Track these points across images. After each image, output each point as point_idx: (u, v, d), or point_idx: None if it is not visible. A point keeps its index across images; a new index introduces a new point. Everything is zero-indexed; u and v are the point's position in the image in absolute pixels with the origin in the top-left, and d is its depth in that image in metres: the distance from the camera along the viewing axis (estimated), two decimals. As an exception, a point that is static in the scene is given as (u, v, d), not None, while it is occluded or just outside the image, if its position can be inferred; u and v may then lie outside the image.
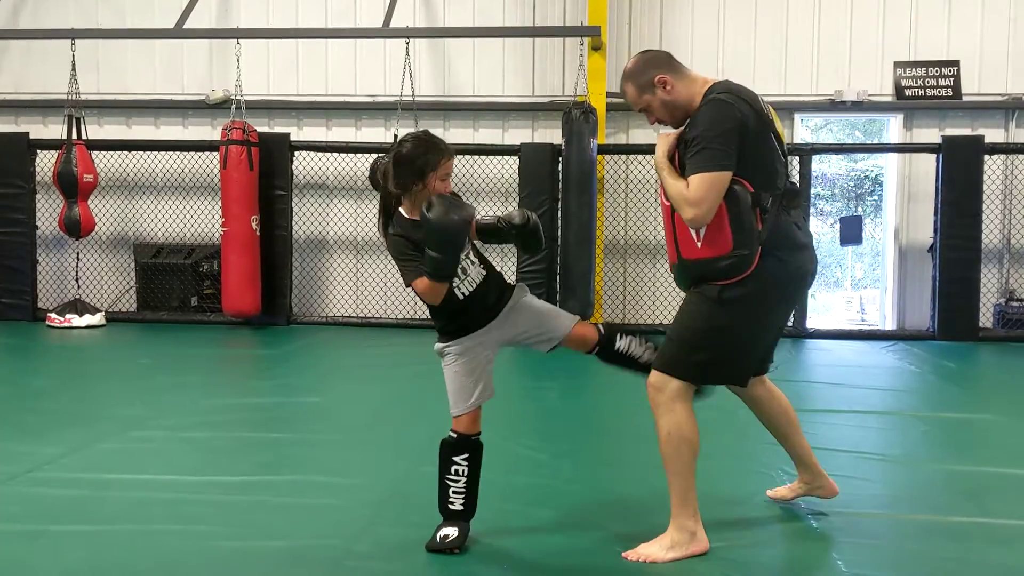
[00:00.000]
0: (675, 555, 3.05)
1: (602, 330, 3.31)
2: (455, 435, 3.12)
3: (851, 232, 8.35)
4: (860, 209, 11.70)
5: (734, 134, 2.95)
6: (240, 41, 8.60)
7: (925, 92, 8.80)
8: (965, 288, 8.31)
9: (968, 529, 3.40)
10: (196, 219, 9.60)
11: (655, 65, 3.17)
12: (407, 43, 8.36)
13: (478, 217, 3.17)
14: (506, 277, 3.31)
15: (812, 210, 8.77)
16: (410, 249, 2.96)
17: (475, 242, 3.21)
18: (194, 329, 8.75)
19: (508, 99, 9.33)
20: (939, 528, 3.39)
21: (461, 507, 3.13)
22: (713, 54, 9.15)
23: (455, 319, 3.09)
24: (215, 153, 8.84)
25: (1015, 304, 8.70)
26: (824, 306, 8.92)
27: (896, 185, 9.20)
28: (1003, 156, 8.73)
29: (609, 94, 8.87)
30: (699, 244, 3.02)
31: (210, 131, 9.47)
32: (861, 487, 3.90)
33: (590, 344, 3.27)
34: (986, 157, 8.40)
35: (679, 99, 3.13)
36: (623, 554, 3.09)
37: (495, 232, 3.22)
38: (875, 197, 11.64)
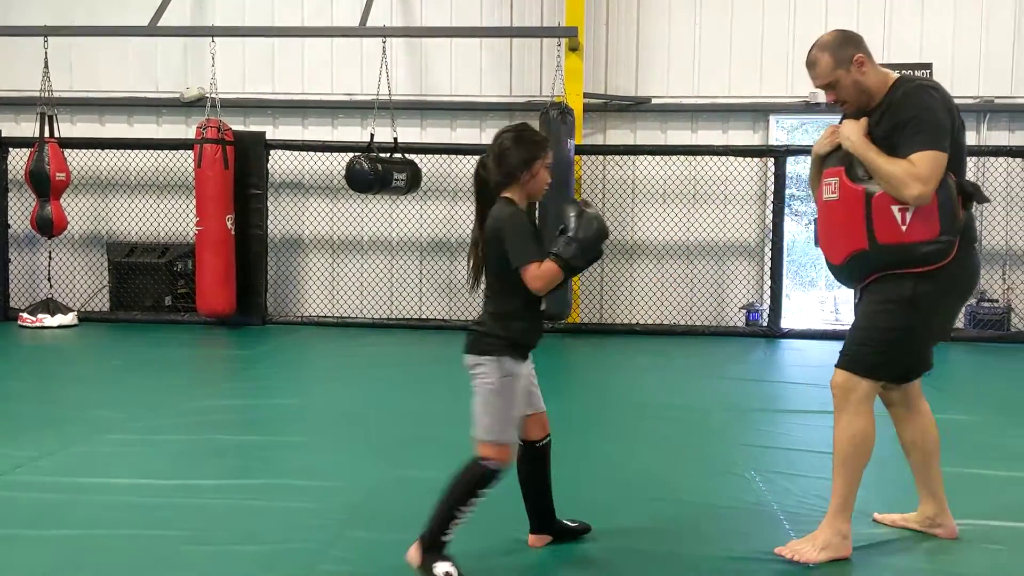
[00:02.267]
0: (827, 556, 3.07)
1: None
2: (499, 465, 2.92)
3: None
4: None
5: (947, 121, 2.99)
6: (215, 38, 8.53)
7: (898, 94, 8.86)
8: (937, 289, 8.37)
9: (938, 530, 3.44)
10: (170, 218, 9.53)
11: (855, 43, 3.14)
12: (384, 42, 8.33)
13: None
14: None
15: (787, 211, 8.83)
16: (530, 231, 2.94)
17: None
18: (168, 329, 8.68)
19: (485, 99, 9.32)
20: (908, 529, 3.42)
21: (451, 539, 2.93)
22: (690, 55, 9.18)
23: (531, 332, 3.00)
24: (189, 151, 8.75)
25: (986, 305, 8.79)
26: (798, 306, 9.00)
27: (870, 186, 9.27)
28: (975, 158, 8.82)
29: (586, 95, 8.89)
30: (904, 227, 2.97)
31: (185, 129, 9.40)
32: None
33: (542, 435, 3.17)
34: (958, 159, 8.48)
35: (868, 84, 3.11)
36: (775, 550, 3.10)
37: None
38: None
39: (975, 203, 3.12)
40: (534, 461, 3.17)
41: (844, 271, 3.20)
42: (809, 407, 5.61)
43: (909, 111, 2.98)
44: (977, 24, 8.96)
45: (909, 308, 3.02)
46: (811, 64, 3.17)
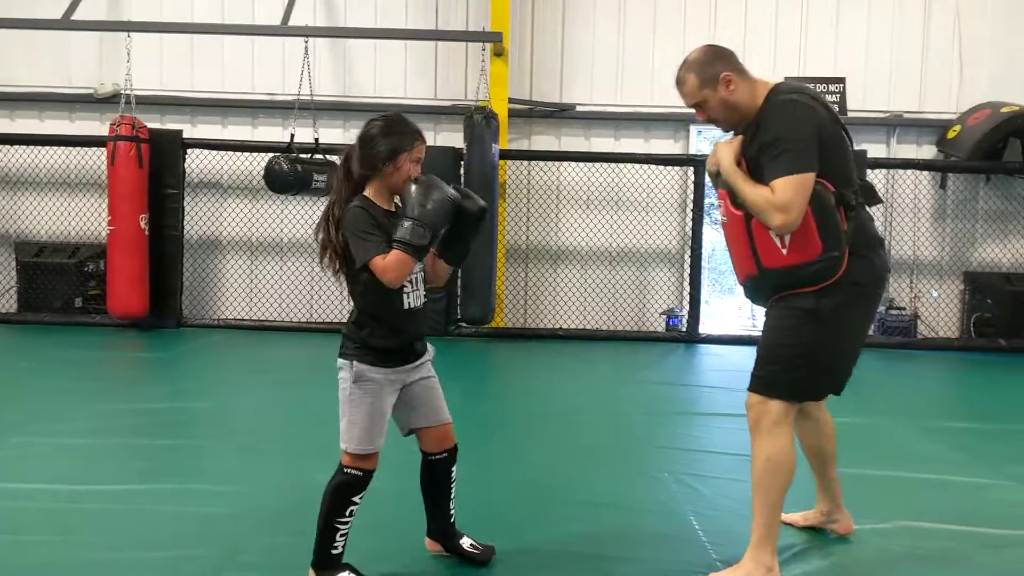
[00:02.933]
0: None
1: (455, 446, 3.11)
2: (360, 472, 2.83)
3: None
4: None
5: (814, 135, 2.83)
6: (131, 34, 8.31)
7: (813, 107, 9.08)
8: (849, 296, 8.61)
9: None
10: (82, 217, 9.24)
11: (722, 60, 2.99)
12: (306, 42, 8.23)
13: None
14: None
15: (707, 219, 8.99)
16: (371, 225, 2.74)
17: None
18: (78, 331, 8.40)
19: (410, 101, 9.26)
20: (811, 529, 3.51)
21: (342, 550, 2.87)
22: (613, 63, 9.29)
23: (389, 335, 2.83)
24: (103, 149, 8.52)
25: (894, 312, 9.08)
26: (716, 312, 9.17)
27: (786, 196, 9.50)
28: (885, 171, 9.13)
29: (511, 100, 8.91)
30: (784, 251, 2.87)
31: (98, 126, 9.13)
32: (746, 489, 3.97)
33: (445, 446, 3.04)
34: (868, 171, 8.75)
35: (739, 101, 2.97)
36: None
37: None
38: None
39: (870, 205, 3.03)
40: (429, 473, 3.06)
41: (746, 291, 3.16)
42: (723, 410, 5.71)
43: (770, 132, 2.85)
44: (888, 42, 9.27)
45: (813, 322, 2.91)
46: (679, 83, 3.04)
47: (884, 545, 3.39)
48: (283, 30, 8.45)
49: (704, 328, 8.97)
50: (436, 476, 3.05)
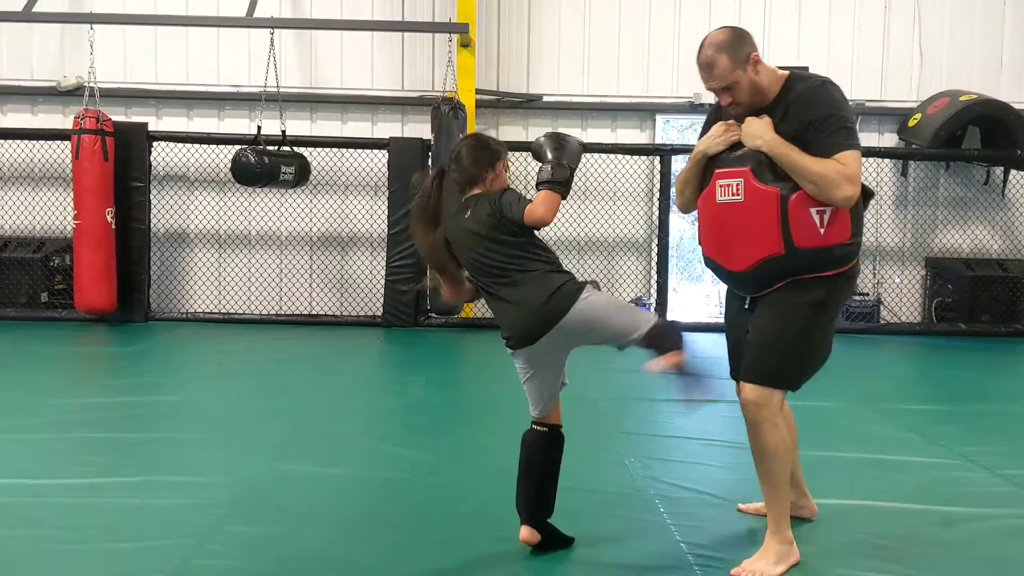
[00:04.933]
0: (782, 568, 2.96)
1: None
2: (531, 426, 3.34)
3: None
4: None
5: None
6: (94, 25, 8.23)
7: (777, 96, 9.17)
8: (813, 283, 8.74)
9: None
10: (46, 211, 9.16)
11: (749, 42, 2.99)
12: (272, 33, 8.20)
13: None
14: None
15: (673, 208, 9.07)
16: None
17: None
18: (44, 327, 8.34)
19: (377, 92, 9.28)
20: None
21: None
22: (579, 54, 9.34)
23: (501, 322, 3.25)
24: (67, 142, 8.45)
25: (857, 298, 9.22)
26: (684, 300, 9.26)
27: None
28: (848, 158, 9.23)
29: (479, 91, 8.93)
30: (822, 230, 2.84)
31: (62, 119, 9.05)
32: (709, 472, 4.11)
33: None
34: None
35: (763, 82, 2.97)
36: (732, 572, 2.95)
37: None
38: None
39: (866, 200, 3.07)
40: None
41: (749, 278, 3.02)
42: (689, 396, 5.79)
43: (821, 108, 2.86)
44: (849, 30, 9.40)
45: (821, 312, 2.93)
46: (708, 65, 2.96)
47: (845, 525, 3.47)
48: (248, 21, 8.42)
49: (672, 315, 9.07)
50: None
